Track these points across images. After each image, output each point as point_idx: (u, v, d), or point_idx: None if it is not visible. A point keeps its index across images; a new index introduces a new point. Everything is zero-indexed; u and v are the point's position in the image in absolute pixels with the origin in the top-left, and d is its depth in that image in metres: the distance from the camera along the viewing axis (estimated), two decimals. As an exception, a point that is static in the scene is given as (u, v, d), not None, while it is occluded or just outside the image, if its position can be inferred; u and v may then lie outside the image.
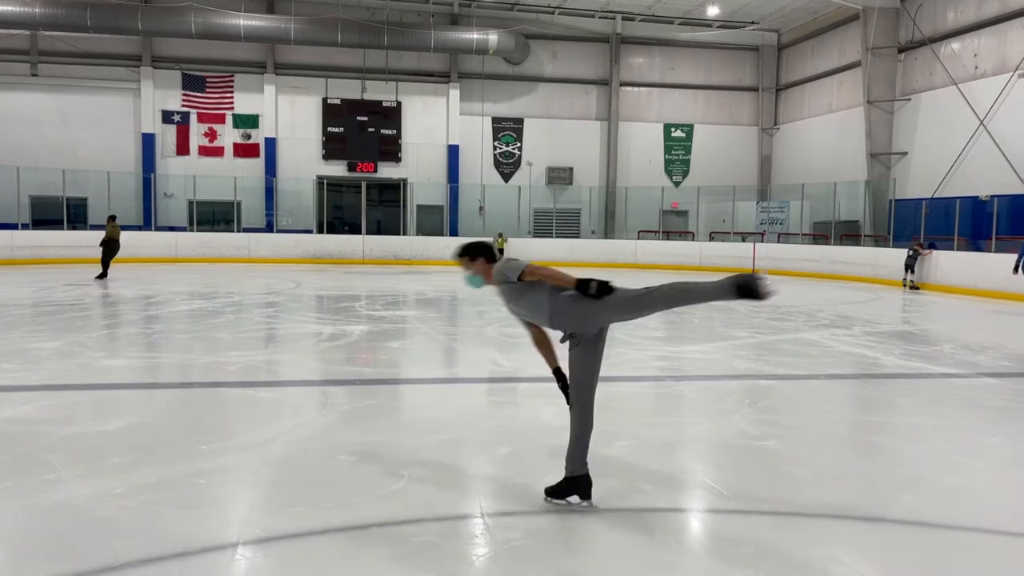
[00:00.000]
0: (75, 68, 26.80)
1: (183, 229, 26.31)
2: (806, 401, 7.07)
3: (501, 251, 25.93)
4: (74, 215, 26.09)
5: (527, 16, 28.65)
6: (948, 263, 18.91)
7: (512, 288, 4.13)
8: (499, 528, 3.91)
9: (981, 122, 20.85)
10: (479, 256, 4.29)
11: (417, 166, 29.05)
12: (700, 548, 3.87)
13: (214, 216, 27.42)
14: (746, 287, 3.77)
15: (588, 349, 4.05)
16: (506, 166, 29.86)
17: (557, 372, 4.29)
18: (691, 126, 30.92)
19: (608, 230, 30.10)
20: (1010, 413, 6.72)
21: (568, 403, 4.16)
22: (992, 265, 17.74)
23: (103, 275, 17.74)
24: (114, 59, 27.11)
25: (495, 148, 29.76)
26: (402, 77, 28.83)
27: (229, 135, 27.99)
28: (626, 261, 26.19)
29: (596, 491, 4.26)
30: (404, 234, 27.82)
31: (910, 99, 23.69)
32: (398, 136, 28.85)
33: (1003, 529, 4.04)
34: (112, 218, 19.13)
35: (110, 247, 18.14)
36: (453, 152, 29.16)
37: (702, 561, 3.67)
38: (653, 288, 3.96)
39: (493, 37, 27.23)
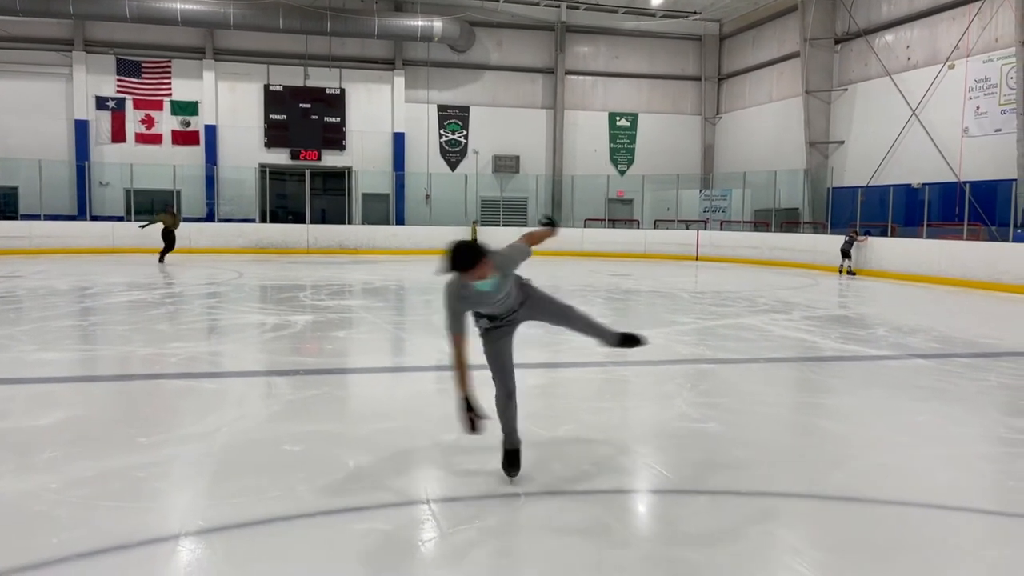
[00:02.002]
0: (3, 52, 25.75)
1: (120, 219, 25.56)
2: (745, 384, 7.24)
3: (474, 240, 25.89)
4: (4, 205, 25.17)
5: (472, 3, 28.51)
6: (883, 249, 19.51)
7: (508, 279, 4.15)
8: (445, 514, 3.93)
9: (913, 112, 21.50)
10: (481, 257, 3.87)
11: (362, 154, 28.73)
12: (642, 528, 3.96)
13: (153, 205, 26.62)
14: (629, 338, 4.76)
15: (508, 338, 4.36)
16: (452, 154, 29.75)
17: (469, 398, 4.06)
18: (635, 115, 31.20)
19: (555, 218, 30.20)
20: (938, 392, 6.99)
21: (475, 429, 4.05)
22: (924, 251, 18.36)
23: (162, 257, 19.67)
24: (45, 43, 26.14)
25: (441, 136, 29.61)
26: (346, 64, 28.44)
27: (167, 122, 27.28)
28: (573, 249, 26.35)
29: (541, 475, 4.32)
30: (349, 223, 27.52)
31: (846, 89, 24.30)
32: (342, 124, 28.49)
33: (927, 502, 4.22)
34: (167, 205, 20.85)
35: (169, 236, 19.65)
36: (398, 140, 28.92)
37: (644, 540, 3.76)
38: (573, 308, 4.60)
39: (438, 24, 27.04)
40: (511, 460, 4.39)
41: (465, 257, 3.84)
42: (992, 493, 4.57)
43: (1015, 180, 18.08)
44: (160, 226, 19.63)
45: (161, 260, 19.57)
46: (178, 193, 26.21)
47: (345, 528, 3.75)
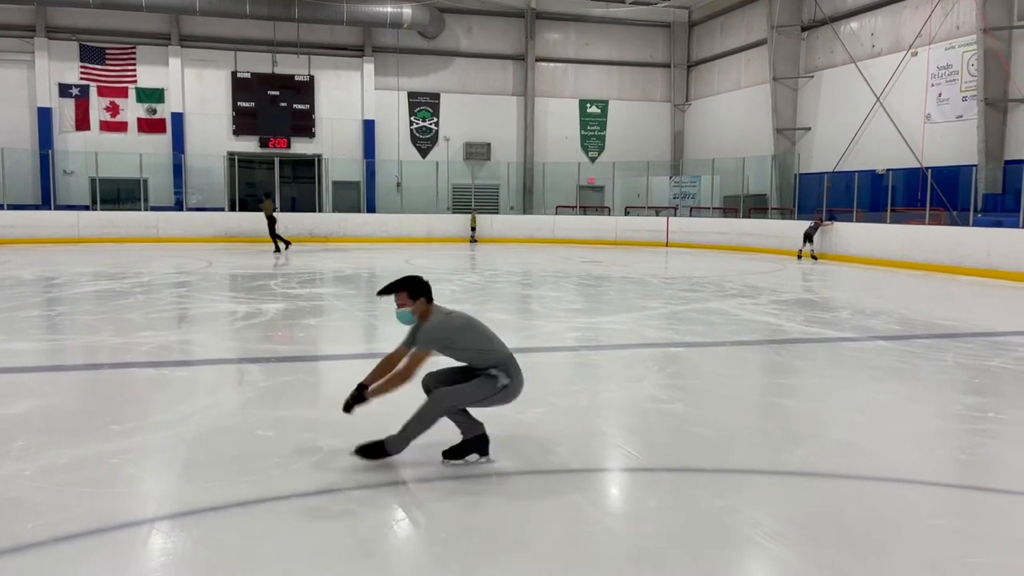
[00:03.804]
0: (-39, 38, 25.24)
1: (85, 208, 25.18)
2: (712, 366, 7.40)
3: (473, 229, 26.05)
4: (-35, 194, 24.70)
5: (441, -11, 28.39)
6: (847, 234, 19.85)
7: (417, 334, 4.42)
8: (418, 494, 4.02)
9: (878, 99, 21.84)
10: (420, 295, 4.37)
11: (332, 142, 28.54)
12: (610, 504, 4.08)
13: (119, 194, 26.31)
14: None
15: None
16: (423, 141, 29.66)
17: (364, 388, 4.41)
18: (606, 102, 31.31)
19: (527, 205, 30.31)
20: (897, 372, 7.20)
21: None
22: (888, 235, 18.71)
23: (281, 246, 20.53)
24: (5, 29, 25.58)
25: (412, 123, 29.50)
26: (315, 51, 28.19)
27: (133, 110, 26.87)
28: (544, 236, 26.48)
29: (513, 455, 4.42)
30: (320, 211, 27.36)
31: (813, 76, 24.60)
32: (311, 111, 28.26)
33: (884, 476, 4.39)
34: (267, 195, 21.71)
35: (271, 223, 20.64)
36: (369, 127, 28.76)
37: (612, 516, 3.87)
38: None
39: (407, 11, 26.89)
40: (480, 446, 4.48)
41: (395, 283, 4.39)
42: (945, 467, 4.76)
43: (976, 165, 18.47)
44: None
45: (286, 245, 20.65)
46: (145, 182, 25.86)
47: (321, 509, 3.82)
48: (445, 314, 4.39)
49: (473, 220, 26.46)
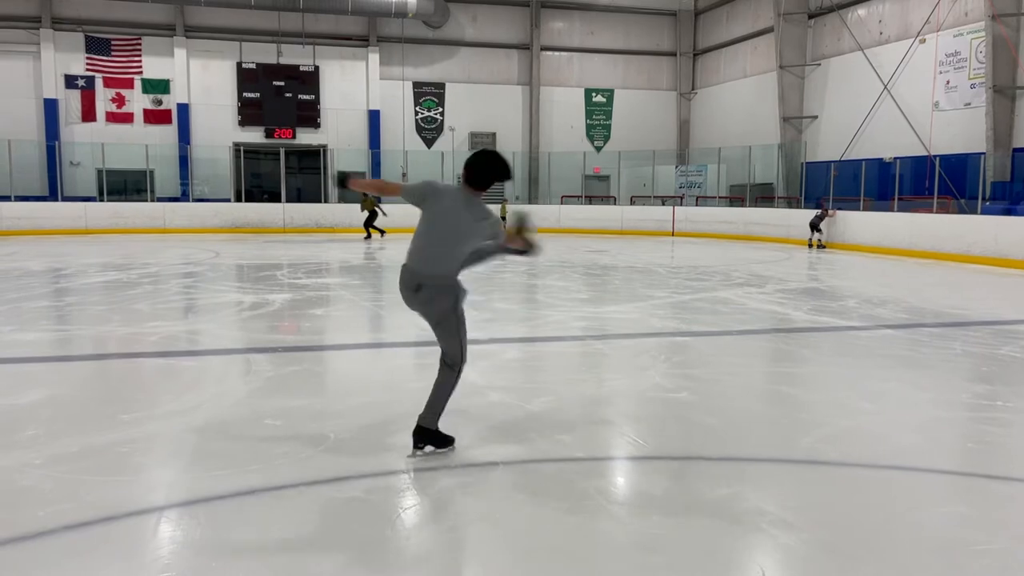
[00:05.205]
0: (-33, 30, 25.29)
1: (92, 199, 25.28)
2: (718, 355, 7.39)
3: (503, 218, 25.92)
4: (-27, 185, 24.79)
5: (446, -22, 28.30)
6: (855, 223, 19.78)
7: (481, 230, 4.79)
8: (424, 482, 4.04)
9: (885, 87, 21.71)
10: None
11: (337, 132, 28.55)
12: (616, 493, 4.08)
13: (125, 185, 26.40)
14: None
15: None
16: (428, 131, 29.63)
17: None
18: (611, 91, 31.21)
19: (532, 195, 30.26)
20: (904, 361, 7.18)
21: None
22: (895, 224, 18.64)
23: (379, 233, 22.23)
24: (11, 21, 25.64)
25: (417, 113, 29.47)
26: (319, 41, 28.17)
27: (139, 101, 26.92)
28: (550, 226, 26.43)
29: (520, 444, 4.42)
30: (325, 201, 27.37)
31: (820, 64, 24.46)
32: (317, 101, 28.26)
33: (890, 464, 4.39)
34: (364, 195, 22.69)
35: (372, 215, 22.08)
36: (374, 118, 28.74)
37: (618, 504, 3.88)
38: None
39: (412, 0, 26.82)
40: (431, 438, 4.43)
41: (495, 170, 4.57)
42: (952, 454, 4.75)
43: (984, 153, 18.37)
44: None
45: (381, 234, 22.18)
46: (151, 173, 25.91)
47: (327, 497, 3.84)
48: (442, 184, 4.75)
49: (503, 210, 26.40)
